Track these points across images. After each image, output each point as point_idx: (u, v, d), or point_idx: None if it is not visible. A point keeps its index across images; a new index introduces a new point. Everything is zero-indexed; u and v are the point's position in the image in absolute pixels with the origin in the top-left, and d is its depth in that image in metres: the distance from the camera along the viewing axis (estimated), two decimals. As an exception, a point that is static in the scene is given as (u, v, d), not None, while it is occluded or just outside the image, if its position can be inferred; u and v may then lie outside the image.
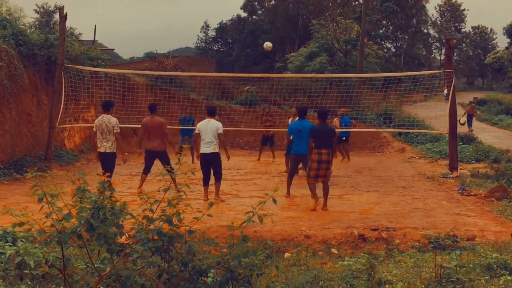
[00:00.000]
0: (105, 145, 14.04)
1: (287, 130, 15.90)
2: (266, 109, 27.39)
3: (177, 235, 5.13)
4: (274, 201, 5.53)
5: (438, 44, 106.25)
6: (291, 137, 14.82)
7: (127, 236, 5.21)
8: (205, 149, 14.06)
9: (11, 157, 18.49)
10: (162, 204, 5.23)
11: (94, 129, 14.39)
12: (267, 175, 19.32)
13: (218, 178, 14.44)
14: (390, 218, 12.06)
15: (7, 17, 21.07)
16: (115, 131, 14.06)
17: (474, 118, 37.80)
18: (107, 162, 14.02)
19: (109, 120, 14.10)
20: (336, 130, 19.03)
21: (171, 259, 5.25)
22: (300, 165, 15.47)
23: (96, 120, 14.48)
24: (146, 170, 15.41)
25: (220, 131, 14.30)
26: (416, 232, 10.60)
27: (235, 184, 17.36)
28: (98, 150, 14.23)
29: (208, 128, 14.18)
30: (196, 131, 14.43)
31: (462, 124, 31.89)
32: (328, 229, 10.96)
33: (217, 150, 14.26)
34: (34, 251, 6.60)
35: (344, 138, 22.84)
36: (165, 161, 14.66)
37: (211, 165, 14.21)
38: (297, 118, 15.04)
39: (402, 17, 78.76)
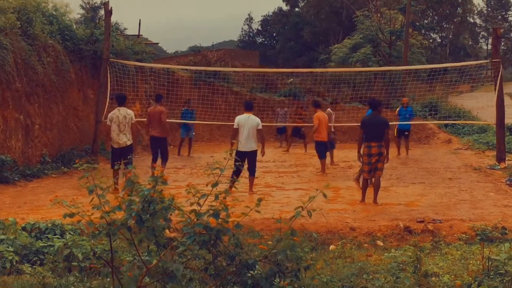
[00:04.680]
0: (124, 139, 14.04)
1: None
2: (301, 102, 27.29)
3: (224, 229, 5.14)
4: (325, 196, 5.50)
5: (484, 34, 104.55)
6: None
7: (173, 229, 5.24)
8: (244, 145, 13.90)
9: (59, 151, 18.80)
10: (210, 197, 5.25)
11: (108, 123, 14.30)
12: (312, 168, 19.26)
13: (253, 173, 14.35)
14: (436, 210, 11.95)
15: (54, 13, 21.33)
16: (133, 121, 14.20)
17: None
18: (128, 153, 13.76)
19: (127, 112, 14.18)
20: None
21: (218, 253, 5.28)
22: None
23: (111, 113, 14.44)
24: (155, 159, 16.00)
25: (260, 127, 14.20)
26: (463, 224, 10.49)
27: (279, 176, 17.37)
28: (117, 146, 14.15)
29: (248, 124, 14.07)
30: (235, 126, 14.26)
31: None
32: (373, 221, 10.91)
33: (255, 148, 14.20)
34: (82, 243, 6.72)
35: (406, 133, 22.09)
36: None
37: (247, 160, 13.91)
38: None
39: (447, 7, 77.75)
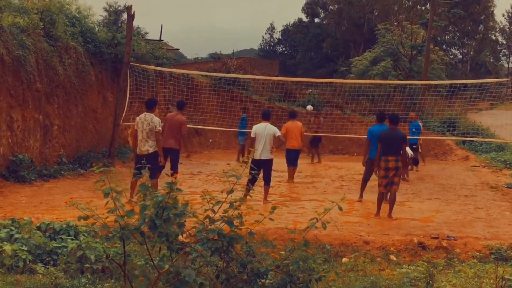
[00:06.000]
0: (146, 147, 13.08)
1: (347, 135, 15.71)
2: (315, 112, 27.31)
3: (237, 236, 5.15)
4: (340, 209, 5.49)
5: (506, 52, 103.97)
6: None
7: (187, 234, 5.26)
8: (259, 154, 13.85)
9: (76, 152, 18.93)
10: (224, 204, 5.26)
11: (135, 127, 13.41)
12: (327, 179, 19.24)
13: (268, 182, 14.31)
14: (451, 226, 11.87)
15: (77, 15, 21.51)
16: (157, 130, 13.16)
17: None
18: (150, 161, 12.11)
19: (152, 119, 13.16)
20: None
21: (230, 260, 5.28)
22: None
23: (137, 118, 13.48)
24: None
25: (278, 134, 14.24)
26: (477, 242, 10.41)
27: (295, 187, 17.34)
28: (139, 153, 13.18)
29: (266, 133, 14.05)
30: (252, 135, 14.25)
31: None
32: (387, 235, 10.86)
33: (271, 157, 14.18)
34: (96, 245, 6.74)
35: (415, 146, 21.40)
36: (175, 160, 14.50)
37: (262, 169, 13.93)
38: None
39: (469, 23, 77.51)
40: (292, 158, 18.35)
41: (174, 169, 14.51)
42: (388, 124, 13.38)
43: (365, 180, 15.02)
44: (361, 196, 14.98)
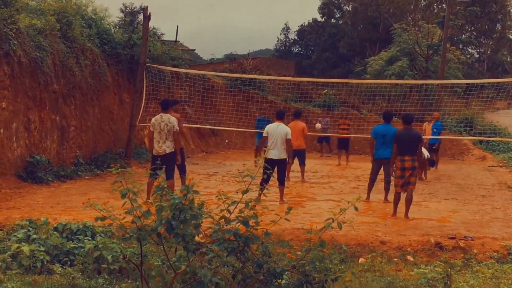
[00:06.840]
0: (164, 147, 12.98)
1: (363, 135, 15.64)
2: (344, 112, 27.04)
3: (253, 237, 5.15)
4: (356, 209, 5.48)
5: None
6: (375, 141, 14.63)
7: (203, 234, 5.26)
8: (271, 153, 13.69)
9: (93, 153, 19.00)
10: (239, 204, 5.26)
11: (151, 128, 13.29)
12: (344, 179, 19.19)
13: (282, 182, 14.23)
14: (468, 227, 11.79)
15: (93, 16, 21.59)
16: (175, 129, 13.07)
17: None
18: (168, 162, 12.50)
19: (169, 120, 13.06)
20: (425, 137, 18.56)
21: (246, 260, 5.28)
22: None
23: (153, 119, 13.33)
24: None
25: (289, 136, 14.06)
26: (495, 242, 10.34)
27: (311, 187, 17.31)
28: (155, 154, 13.03)
29: (277, 133, 13.99)
30: (265, 134, 14.23)
31: None
32: (404, 235, 10.81)
33: (284, 156, 14.10)
34: (112, 246, 6.77)
35: (434, 146, 21.48)
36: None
37: (276, 169, 13.87)
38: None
39: (486, 22, 77.06)
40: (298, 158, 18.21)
41: (182, 169, 14.57)
42: (402, 124, 13.31)
43: (372, 180, 14.95)
44: (368, 197, 14.85)
